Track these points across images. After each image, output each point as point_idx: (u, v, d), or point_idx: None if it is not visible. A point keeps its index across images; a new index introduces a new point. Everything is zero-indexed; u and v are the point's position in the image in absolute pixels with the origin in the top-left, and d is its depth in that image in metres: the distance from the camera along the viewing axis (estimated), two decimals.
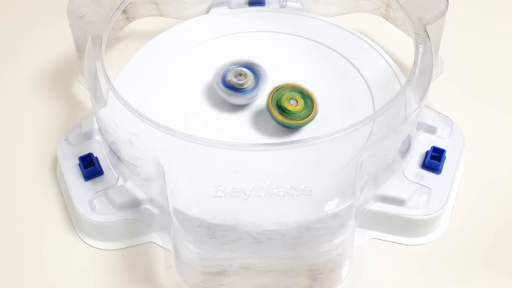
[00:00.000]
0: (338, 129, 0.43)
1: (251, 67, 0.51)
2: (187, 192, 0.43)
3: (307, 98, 0.49)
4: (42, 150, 0.54)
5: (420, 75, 0.47)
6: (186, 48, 0.56)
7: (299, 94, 0.49)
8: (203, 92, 0.52)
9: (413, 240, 0.49)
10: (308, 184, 0.44)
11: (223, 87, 0.50)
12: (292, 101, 0.49)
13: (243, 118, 0.51)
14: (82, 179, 0.50)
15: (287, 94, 0.49)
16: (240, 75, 0.50)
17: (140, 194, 0.48)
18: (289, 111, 0.49)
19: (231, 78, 0.50)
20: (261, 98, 0.51)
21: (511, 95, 0.58)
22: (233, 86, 0.50)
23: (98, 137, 0.51)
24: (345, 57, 0.55)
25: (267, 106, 0.49)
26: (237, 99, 0.50)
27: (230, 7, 0.59)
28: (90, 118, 0.52)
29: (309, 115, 0.49)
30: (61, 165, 0.51)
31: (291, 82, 0.50)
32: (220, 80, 0.50)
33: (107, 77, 0.47)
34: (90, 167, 0.50)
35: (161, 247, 0.48)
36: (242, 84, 0.50)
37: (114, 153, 0.48)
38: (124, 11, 0.57)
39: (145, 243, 0.49)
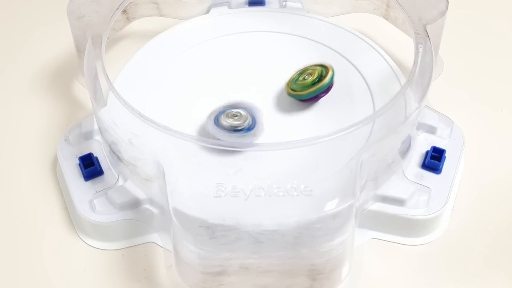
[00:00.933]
0: (338, 129, 0.43)
1: (243, 107, 0.48)
2: (187, 192, 0.43)
3: (324, 68, 0.51)
4: (42, 150, 0.54)
5: (420, 75, 0.47)
6: (186, 48, 0.56)
7: (316, 68, 0.51)
8: (203, 92, 0.52)
9: (413, 240, 0.49)
10: (308, 184, 0.44)
11: (220, 131, 0.47)
12: (307, 76, 0.50)
13: None
14: (82, 179, 0.50)
15: (303, 74, 0.50)
16: (235, 116, 0.47)
17: (140, 194, 0.48)
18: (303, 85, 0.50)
19: (226, 120, 0.47)
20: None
21: (511, 95, 0.58)
22: (229, 128, 0.47)
23: (98, 137, 0.51)
24: (345, 57, 0.55)
25: (287, 91, 0.51)
26: (239, 140, 0.48)
27: (230, 7, 0.59)
28: (90, 118, 0.52)
29: (324, 79, 0.50)
30: (61, 165, 0.51)
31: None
32: (213, 122, 0.47)
33: (107, 77, 0.47)
34: (90, 167, 0.50)
35: (161, 247, 0.48)
36: (240, 125, 0.47)
37: (114, 153, 0.48)
38: (124, 11, 0.57)
39: (145, 243, 0.49)
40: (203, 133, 0.49)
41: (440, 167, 0.50)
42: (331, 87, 0.51)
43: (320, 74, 0.50)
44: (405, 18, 0.51)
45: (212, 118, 0.48)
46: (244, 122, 0.47)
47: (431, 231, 0.49)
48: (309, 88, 0.50)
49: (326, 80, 0.50)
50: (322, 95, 0.50)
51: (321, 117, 0.51)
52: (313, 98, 0.50)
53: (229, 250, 0.43)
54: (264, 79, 0.53)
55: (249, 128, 0.47)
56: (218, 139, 0.47)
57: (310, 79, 0.50)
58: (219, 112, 0.48)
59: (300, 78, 0.50)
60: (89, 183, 0.49)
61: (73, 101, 0.57)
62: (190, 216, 0.42)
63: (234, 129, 0.47)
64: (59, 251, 0.49)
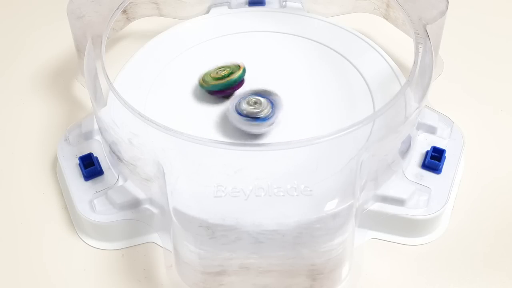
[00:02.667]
0: (338, 129, 0.43)
1: (265, 95, 0.49)
2: (187, 192, 0.43)
3: (236, 66, 0.52)
4: (42, 150, 0.54)
5: (420, 75, 0.47)
6: (186, 48, 0.56)
7: (230, 66, 0.52)
8: (203, 92, 0.52)
9: (413, 240, 0.49)
10: (308, 184, 0.44)
11: (238, 116, 0.48)
12: (219, 71, 0.52)
13: None
14: (82, 179, 0.50)
15: (217, 69, 0.52)
16: (255, 103, 0.48)
17: (140, 194, 0.48)
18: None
19: (245, 106, 0.48)
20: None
21: (511, 95, 0.58)
22: (248, 115, 0.48)
23: (98, 137, 0.52)
24: (345, 57, 0.55)
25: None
26: (254, 128, 0.49)
27: (230, 7, 0.59)
28: (90, 118, 0.52)
29: (233, 75, 0.51)
30: (61, 165, 0.51)
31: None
32: (234, 109, 0.49)
33: (107, 77, 0.47)
34: (90, 167, 0.50)
35: (161, 247, 0.48)
36: (258, 113, 0.48)
37: (114, 153, 0.48)
38: (124, 11, 0.57)
39: (145, 243, 0.49)
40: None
41: (440, 167, 0.50)
42: (242, 83, 0.51)
43: (231, 70, 0.51)
44: (405, 18, 0.51)
45: (234, 103, 0.49)
46: (262, 111, 0.48)
47: (431, 231, 0.49)
48: (218, 81, 0.51)
49: (236, 75, 0.51)
50: (231, 91, 0.51)
51: (321, 117, 0.51)
52: (222, 92, 0.51)
53: (229, 250, 0.43)
54: (263, 79, 0.53)
55: (266, 118, 0.48)
56: (235, 125, 0.48)
57: (221, 73, 0.51)
58: (241, 98, 0.49)
59: (213, 73, 0.51)
60: (89, 183, 0.49)
61: (73, 101, 0.57)
62: (190, 216, 0.42)
63: (253, 117, 0.48)
64: (59, 251, 0.49)
